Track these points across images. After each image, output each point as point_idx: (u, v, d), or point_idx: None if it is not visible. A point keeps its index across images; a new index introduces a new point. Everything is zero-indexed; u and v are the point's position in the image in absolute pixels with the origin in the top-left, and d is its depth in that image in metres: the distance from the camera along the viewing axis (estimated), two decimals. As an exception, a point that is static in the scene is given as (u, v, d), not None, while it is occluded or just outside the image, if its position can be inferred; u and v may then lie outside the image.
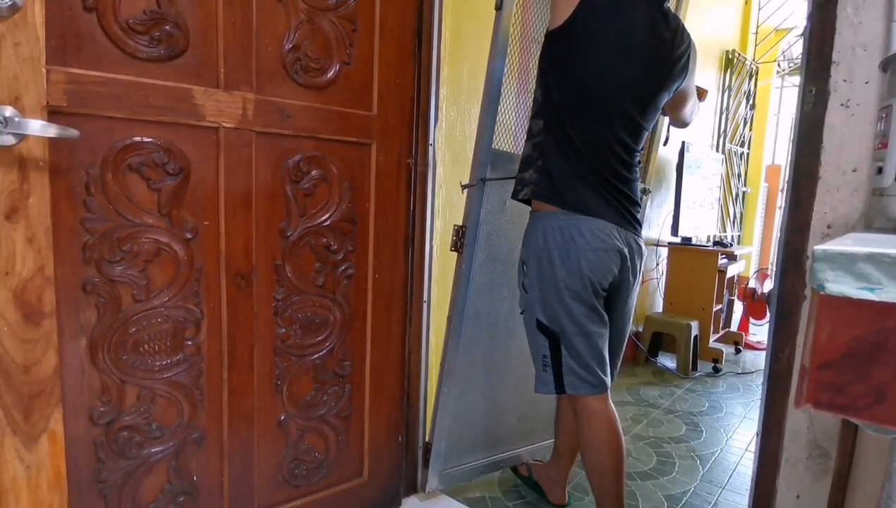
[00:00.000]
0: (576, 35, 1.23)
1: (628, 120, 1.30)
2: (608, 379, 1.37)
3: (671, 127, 1.69)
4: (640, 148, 1.36)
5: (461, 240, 1.57)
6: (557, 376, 1.33)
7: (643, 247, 1.40)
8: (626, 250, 1.33)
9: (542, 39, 1.34)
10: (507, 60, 1.55)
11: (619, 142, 1.29)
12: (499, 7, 1.51)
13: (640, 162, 1.38)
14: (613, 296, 1.38)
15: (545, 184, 1.30)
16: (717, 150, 4.21)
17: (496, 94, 1.53)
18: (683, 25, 1.37)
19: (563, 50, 1.25)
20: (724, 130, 4.27)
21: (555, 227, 1.29)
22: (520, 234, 1.68)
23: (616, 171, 1.31)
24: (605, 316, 1.36)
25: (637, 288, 1.44)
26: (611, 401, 1.40)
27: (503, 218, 1.68)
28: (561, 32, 1.24)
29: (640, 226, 1.39)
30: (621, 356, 1.48)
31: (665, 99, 1.37)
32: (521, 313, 1.41)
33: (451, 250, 1.60)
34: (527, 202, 1.41)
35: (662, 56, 1.30)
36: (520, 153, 1.67)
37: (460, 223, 1.64)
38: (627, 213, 1.33)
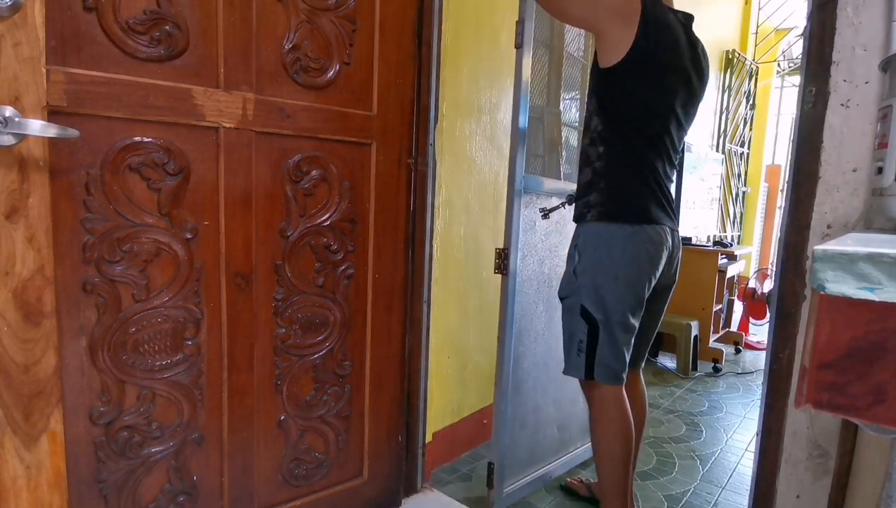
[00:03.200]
0: (635, 68, 1.30)
1: (679, 125, 1.40)
2: (626, 372, 1.42)
3: None
4: (681, 150, 1.48)
5: (504, 262, 1.61)
6: (589, 362, 1.38)
7: (680, 241, 1.52)
8: (673, 248, 1.43)
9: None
10: (528, 97, 1.60)
11: (671, 145, 1.40)
12: (519, 46, 1.54)
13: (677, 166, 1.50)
14: (661, 291, 1.48)
15: (610, 204, 1.36)
16: (717, 150, 4.21)
17: (523, 128, 1.58)
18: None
19: (623, 83, 1.32)
20: (724, 130, 4.27)
21: (620, 225, 1.36)
22: (549, 250, 1.79)
23: (668, 174, 1.42)
24: (642, 314, 1.42)
25: (677, 281, 1.55)
26: (642, 381, 1.58)
27: (534, 237, 1.73)
28: (619, 68, 1.30)
29: (678, 221, 1.49)
30: (653, 338, 1.61)
31: (700, 103, 1.48)
32: (563, 299, 1.45)
33: (494, 272, 1.65)
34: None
35: (700, 68, 1.41)
36: (538, 175, 1.77)
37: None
38: (673, 214, 1.43)
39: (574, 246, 1.43)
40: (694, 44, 1.40)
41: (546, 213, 1.69)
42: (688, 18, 1.41)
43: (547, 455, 1.91)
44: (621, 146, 1.35)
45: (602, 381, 1.38)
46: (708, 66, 1.45)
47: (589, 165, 1.40)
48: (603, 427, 1.40)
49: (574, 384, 1.53)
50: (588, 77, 1.56)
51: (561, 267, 1.81)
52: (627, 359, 1.40)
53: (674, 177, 1.46)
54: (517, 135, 1.56)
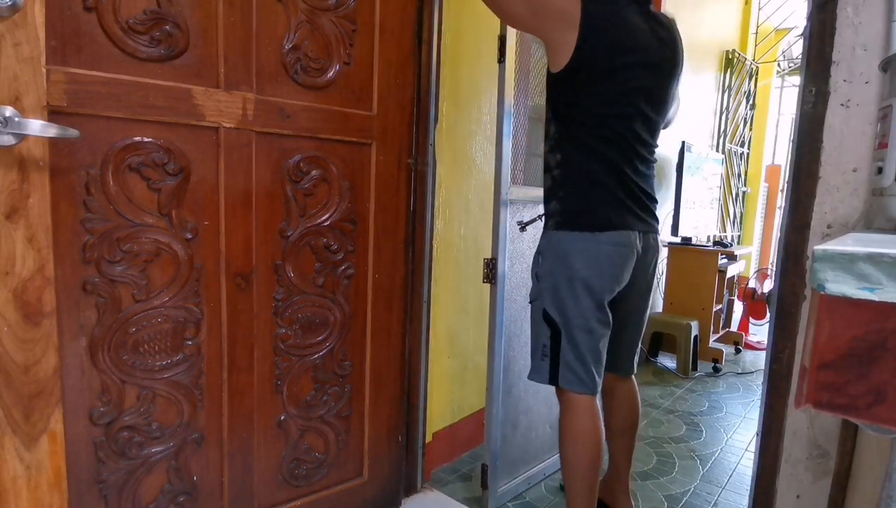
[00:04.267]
0: (584, 70, 1.26)
1: (645, 119, 1.34)
2: (600, 382, 1.38)
3: None
4: (657, 142, 1.42)
5: (493, 271, 1.63)
6: (553, 367, 1.36)
7: (659, 243, 1.46)
8: (644, 252, 1.39)
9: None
10: (512, 110, 1.62)
11: (639, 141, 1.34)
12: (501, 60, 1.55)
13: (655, 158, 1.44)
14: (629, 294, 1.42)
15: (568, 213, 1.34)
16: (718, 150, 4.21)
17: (507, 135, 1.59)
18: (674, 21, 1.41)
19: (574, 86, 1.29)
20: (725, 130, 4.27)
21: (580, 232, 1.33)
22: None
23: (637, 169, 1.35)
24: (611, 319, 1.37)
25: (655, 284, 1.50)
26: (635, 384, 1.55)
27: (521, 244, 1.75)
28: (569, 71, 1.27)
29: (657, 220, 1.43)
30: (639, 345, 1.56)
31: (673, 91, 1.42)
32: (531, 302, 1.43)
33: (483, 282, 1.66)
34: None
35: (665, 54, 1.35)
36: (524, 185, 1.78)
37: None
38: (646, 213, 1.38)
39: (537, 251, 1.41)
40: (657, 33, 1.33)
41: (523, 226, 1.71)
42: (645, 2, 1.34)
43: (540, 453, 1.92)
44: (578, 152, 1.32)
45: (566, 387, 1.35)
46: (678, 52, 1.39)
47: (549, 172, 1.38)
48: (569, 437, 1.37)
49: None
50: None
51: None
52: (597, 368, 1.35)
53: (650, 172, 1.40)
54: (502, 147, 1.57)
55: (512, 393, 1.77)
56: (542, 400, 1.89)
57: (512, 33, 1.57)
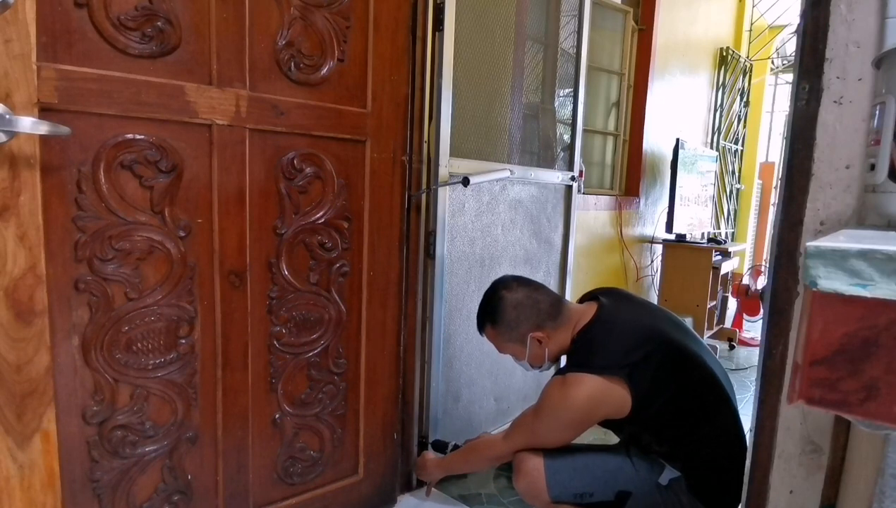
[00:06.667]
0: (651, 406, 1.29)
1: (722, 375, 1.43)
2: None
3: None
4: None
5: (432, 245, 1.65)
6: None
7: None
8: None
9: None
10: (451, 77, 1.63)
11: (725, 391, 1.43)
12: (439, 28, 1.56)
13: None
14: None
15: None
16: (712, 147, 4.23)
17: (447, 106, 1.62)
18: None
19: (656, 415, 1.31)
20: (719, 127, 4.28)
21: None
22: (482, 231, 1.85)
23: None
24: None
25: None
26: None
27: (463, 218, 1.78)
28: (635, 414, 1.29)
29: None
30: None
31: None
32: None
33: (422, 257, 1.67)
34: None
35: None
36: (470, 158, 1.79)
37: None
38: None
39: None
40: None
41: (467, 179, 1.64)
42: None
43: (485, 425, 1.98)
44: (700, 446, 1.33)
45: None
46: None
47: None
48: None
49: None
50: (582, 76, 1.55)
51: (494, 247, 1.90)
52: None
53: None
54: (440, 116, 1.57)
55: (454, 367, 1.81)
56: (487, 373, 1.94)
57: (451, 2, 1.56)
